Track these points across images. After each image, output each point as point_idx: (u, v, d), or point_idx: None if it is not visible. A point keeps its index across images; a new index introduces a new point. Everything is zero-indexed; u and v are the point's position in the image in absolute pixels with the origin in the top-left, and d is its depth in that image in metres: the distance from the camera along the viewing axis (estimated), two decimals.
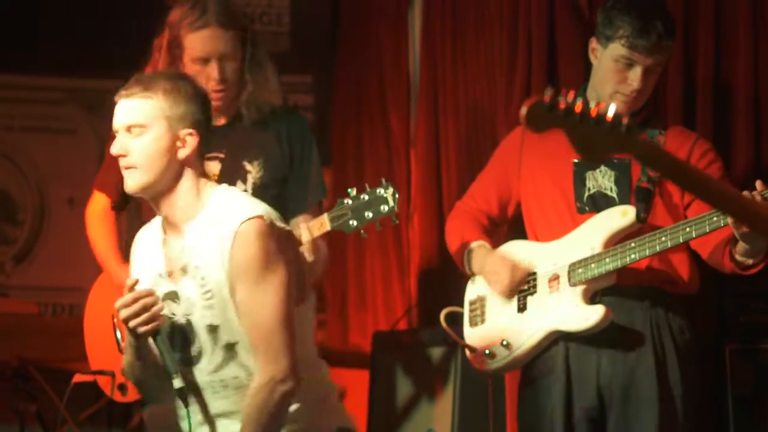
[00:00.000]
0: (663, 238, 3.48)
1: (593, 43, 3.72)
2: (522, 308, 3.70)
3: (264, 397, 2.99)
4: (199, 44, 3.53)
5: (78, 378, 3.97)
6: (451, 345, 4.22)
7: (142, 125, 3.03)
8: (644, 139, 2.33)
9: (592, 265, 3.57)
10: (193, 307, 3.05)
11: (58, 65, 5.77)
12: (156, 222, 3.18)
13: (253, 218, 2.99)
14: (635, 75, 3.62)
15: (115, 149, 3.06)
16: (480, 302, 3.81)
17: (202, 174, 3.11)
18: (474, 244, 3.80)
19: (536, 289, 3.69)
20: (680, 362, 3.62)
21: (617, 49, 3.61)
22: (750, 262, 3.48)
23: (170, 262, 3.09)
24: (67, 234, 5.64)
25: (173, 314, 3.08)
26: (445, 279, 4.51)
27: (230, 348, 3.04)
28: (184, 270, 3.07)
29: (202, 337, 3.05)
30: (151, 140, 3.03)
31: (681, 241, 3.46)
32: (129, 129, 3.04)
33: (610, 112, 2.19)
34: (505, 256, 3.72)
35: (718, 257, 3.54)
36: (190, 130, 3.06)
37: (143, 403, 3.70)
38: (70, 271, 5.69)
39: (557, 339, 3.65)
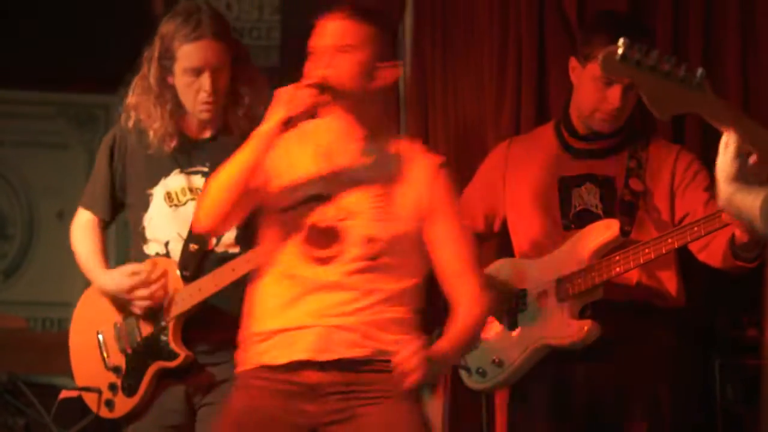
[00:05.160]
0: (647, 250, 3.49)
1: (573, 62, 3.71)
2: (512, 326, 3.71)
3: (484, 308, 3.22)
4: (195, 55, 3.57)
5: (64, 394, 3.96)
6: None
7: None
8: (715, 97, 2.35)
9: (579, 280, 3.58)
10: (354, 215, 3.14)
11: (47, 80, 5.76)
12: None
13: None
14: (614, 94, 3.61)
15: None
16: None
17: None
18: None
19: (526, 307, 3.69)
20: (669, 376, 3.62)
21: (595, 68, 3.57)
22: (753, 254, 3.46)
23: None
24: (57, 248, 5.63)
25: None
26: (436, 288, 4.51)
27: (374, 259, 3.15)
28: None
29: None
30: None
31: (664, 252, 3.48)
32: None
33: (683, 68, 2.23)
34: None
35: (729, 261, 3.53)
36: None
37: (129, 419, 3.70)
38: (60, 285, 5.68)
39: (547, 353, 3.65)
